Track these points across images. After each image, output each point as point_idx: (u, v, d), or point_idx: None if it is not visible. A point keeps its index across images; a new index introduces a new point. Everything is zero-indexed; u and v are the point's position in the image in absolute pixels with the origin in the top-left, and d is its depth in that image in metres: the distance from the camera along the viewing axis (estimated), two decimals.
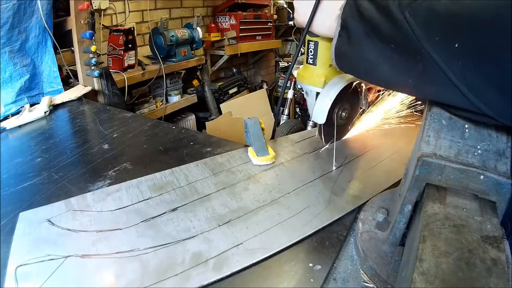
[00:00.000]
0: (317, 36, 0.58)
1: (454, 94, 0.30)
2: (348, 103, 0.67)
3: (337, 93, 0.61)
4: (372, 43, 0.35)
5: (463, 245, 0.31)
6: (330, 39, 0.46)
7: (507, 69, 0.25)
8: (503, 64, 0.26)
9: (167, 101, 2.04)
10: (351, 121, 0.73)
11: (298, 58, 0.72)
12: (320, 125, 0.65)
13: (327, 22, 0.46)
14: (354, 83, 0.63)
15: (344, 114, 0.67)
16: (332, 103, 0.61)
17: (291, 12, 2.60)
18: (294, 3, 0.54)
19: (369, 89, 0.71)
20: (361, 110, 0.73)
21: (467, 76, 0.28)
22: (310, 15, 0.49)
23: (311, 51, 0.61)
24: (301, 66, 0.69)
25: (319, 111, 0.62)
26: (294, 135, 0.79)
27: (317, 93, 0.63)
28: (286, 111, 2.16)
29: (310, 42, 0.61)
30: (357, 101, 0.69)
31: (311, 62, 0.62)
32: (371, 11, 0.35)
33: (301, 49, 0.63)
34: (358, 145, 0.74)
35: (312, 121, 1.89)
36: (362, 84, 0.67)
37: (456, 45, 0.27)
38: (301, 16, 0.52)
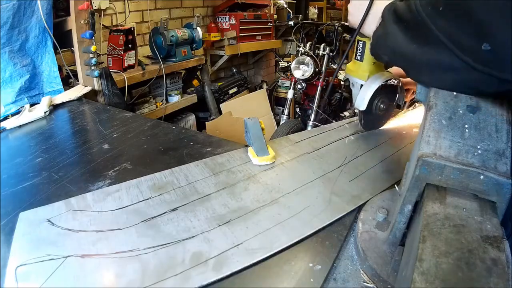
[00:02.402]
0: (365, 36, 0.66)
1: (440, 49, 0.39)
2: (387, 98, 0.77)
3: (377, 86, 0.70)
4: (395, 24, 0.47)
5: (463, 245, 0.31)
6: None
7: (474, 18, 0.35)
8: (471, 15, 0.36)
9: (167, 101, 2.04)
10: (389, 113, 0.83)
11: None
12: (361, 112, 0.76)
13: (374, 25, 0.55)
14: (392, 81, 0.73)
15: (382, 106, 0.76)
16: (373, 95, 0.71)
17: (291, 12, 2.60)
18: (348, 6, 0.64)
19: (407, 90, 0.81)
20: (398, 105, 0.82)
21: (447, 29, 0.38)
22: (362, 18, 0.58)
23: (359, 49, 0.70)
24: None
25: (361, 100, 0.72)
26: (294, 135, 0.79)
27: (361, 85, 0.73)
28: (286, 111, 2.15)
29: (359, 42, 0.70)
30: (394, 96, 0.79)
31: (359, 59, 0.71)
32: (401, 6, 0.47)
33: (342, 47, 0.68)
34: (358, 145, 0.75)
35: (313, 114, 1.91)
36: (401, 83, 0.76)
37: (440, 8, 0.39)
38: (354, 18, 0.62)
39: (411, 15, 0.43)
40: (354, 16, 0.62)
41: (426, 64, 0.43)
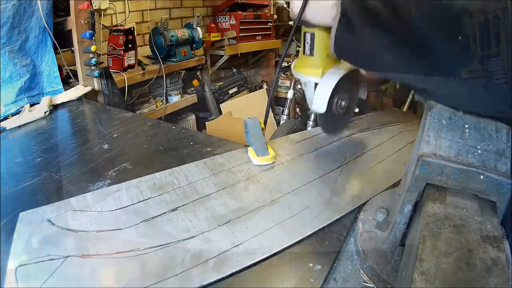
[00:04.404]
0: (313, 27, 0.57)
1: (431, 57, 0.34)
2: (347, 93, 0.67)
3: (335, 82, 0.60)
4: (366, 25, 0.38)
5: (463, 245, 0.31)
6: (326, 29, 0.46)
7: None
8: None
9: (167, 101, 2.04)
10: (351, 111, 0.73)
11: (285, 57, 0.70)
12: (320, 114, 0.66)
13: (322, 10, 0.46)
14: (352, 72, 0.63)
15: (344, 103, 0.66)
16: (331, 92, 0.61)
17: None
18: None
19: (369, 80, 0.70)
20: (360, 99, 0.73)
21: (437, 36, 0.33)
22: (302, 3, 0.50)
23: (308, 42, 0.61)
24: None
25: (319, 101, 0.62)
26: (294, 135, 0.79)
27: (316, 84, 0.63)
28: (286, 111, 2.15)
29: (307, 34, 0.61)
30: (356, 90, 0.70)
31: (309, 53, 0.62)
32: (371, 2, 0.37)
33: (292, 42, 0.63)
34: (358, 145, 0.74)
35: (312, 113, 1.87)
36: (361, 74, 0.65)
37: (427, 12, 0.33)
38: (296, 6, 0.52)
39: (388, 15, 0.35)
40: (296, 5, 0.51)
41: (422, 72, 0.37)
